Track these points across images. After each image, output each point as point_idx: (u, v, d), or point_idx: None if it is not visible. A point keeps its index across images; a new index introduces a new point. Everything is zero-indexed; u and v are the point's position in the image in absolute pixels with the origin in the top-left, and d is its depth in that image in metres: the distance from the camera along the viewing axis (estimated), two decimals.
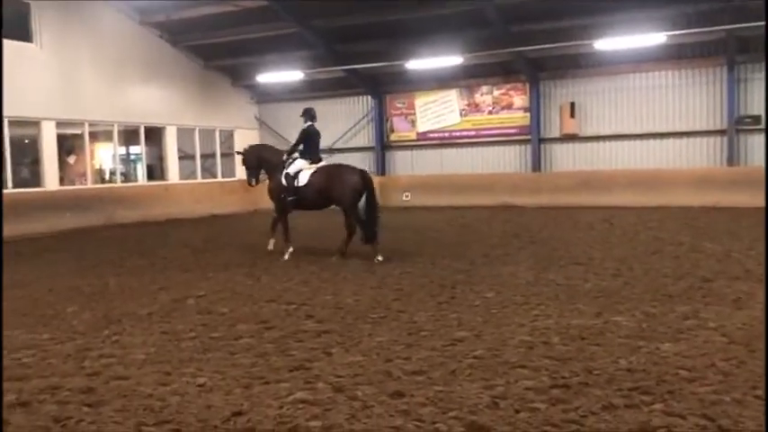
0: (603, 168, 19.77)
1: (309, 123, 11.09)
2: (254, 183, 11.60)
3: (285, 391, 4.45)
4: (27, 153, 18.33)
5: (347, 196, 10.41)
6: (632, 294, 7.20)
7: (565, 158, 20.54)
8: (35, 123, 17.39)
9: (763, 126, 17.35)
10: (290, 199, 10.80)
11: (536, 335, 5.68)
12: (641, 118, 19.31)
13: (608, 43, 17.36)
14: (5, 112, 16.33)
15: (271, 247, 11.12)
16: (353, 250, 10.99)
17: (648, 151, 19.29)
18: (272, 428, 3.86)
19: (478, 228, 14.73)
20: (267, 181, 11.44)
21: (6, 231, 15.25)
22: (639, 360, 4.88)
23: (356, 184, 10.43)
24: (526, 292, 7.47)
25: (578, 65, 19.83)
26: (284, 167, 10.95)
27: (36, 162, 17.83)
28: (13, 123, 16.76)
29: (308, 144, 11.03)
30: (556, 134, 20.49)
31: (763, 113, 17.29)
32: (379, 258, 10.09)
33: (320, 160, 11.10)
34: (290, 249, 10.86)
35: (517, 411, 4.00)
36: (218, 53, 21.86)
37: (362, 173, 10.65)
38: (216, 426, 3.92)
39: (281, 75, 21.33)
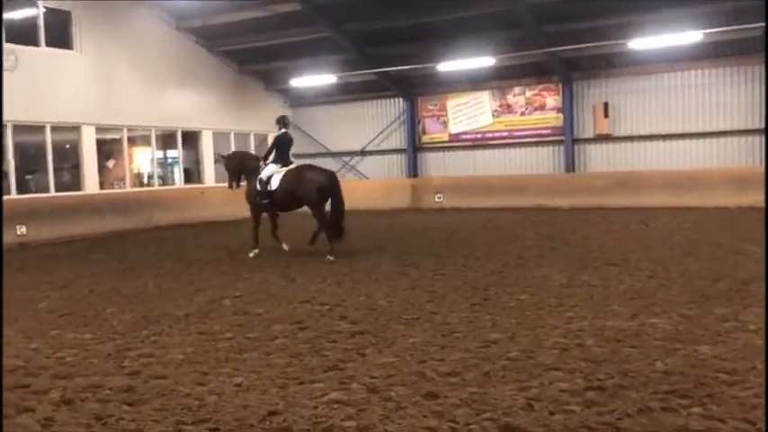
0: (638, 169, 19.48)
1: (283, 131, 11.77)
2: (234, 186, 12.28)
3: (320, 392, 4.50)
4: (68, 158, 18.77)
5: (311, 195, 11.04)
6: (668, 296, 7.10)
7: (599, 159, 20.30)
8: (75, 128, 17.80)
9: None
10: (264, 202, 11.47)
11: (570, 337, 5.65)
12: (677, 117, 18.99)
13: (643, 42, 17.11)
14: (47, 118, 16.81)
15: (286, 247, 11.62)
16: (385, 252, 11.05)
17: (685, 151, 18.96)
18: (307, 428, 3.91)
19: (511, 229, 14.64)
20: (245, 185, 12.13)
21: (49, 234, 15.69)
22: (676, 363, 4.82)
23: (320, 183, 11.03)
24: (560, 294, 7.42)
25: (612, 64, 19.59)
26: (259, 173, 11.60)
27: (77, 166, 18.24)
28: (54, 129, 17.19)
29: (281, 150, 11.66)
30: (589, 135, 20.27)
31: None
32: (330, 258, 10.66)
33: (290, 164, 11.66)
34: (256, 251, 11.57)
35: (552, 413, 3.99)
36: (252, 58, 22.11)
37: (328, 173, 11.35)
38: (252, 425, 3.99)
39: (314, 79, 21.48)
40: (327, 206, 11.32)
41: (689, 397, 4.15)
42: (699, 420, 3.81)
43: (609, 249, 10.87)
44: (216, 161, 13.51)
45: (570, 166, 20.44)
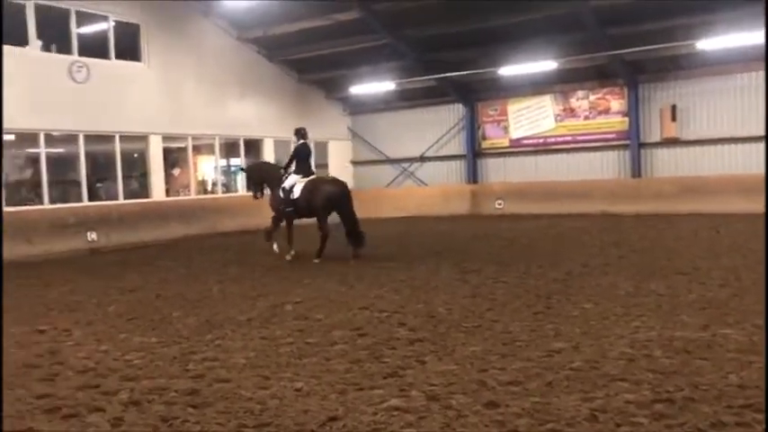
0: (708, 174, 18.80)
1: (302, 142, 12.47)
2: (259, 196, 12.88)
3: (379, 398, 4.48)
4: (136, 166, 19.42)
5: (318, 205, 11.79)
6: (742, 306, 6.80)
7: (666, 164, 19.71)
8: (143, 138, 18.40)
9: None
10: (288, 210, 12.19)
11: (637, 347, 5.47)
12: (750, 119, 18.24)
13: (712, 42, 16.54)
14: (117, 128, 17.42)
15: (276, 248, 12.30)
16: (444, 259, 10.98)
17: (759, 155, 18.14)
18: None
19: (575, 236, 14.34)
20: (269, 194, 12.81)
21: (118, 240, 16.27)
22: (751, 376, 4.60)
23: (329, 193, 11.81)
24: (626, 303, 7.21)
25: (680, 66, 19.00)
26: (282, 182, 12.28)
27: (144, 174, 18.86)
28: (123, 138, 17.81)
29: (300, 160, 12.32)
30: (656, 138, 19.72)
31: None
32: (352, 262, 11.46)
33: (311, 174, 12.41)
34: (292, 252, 12.21)
35: (618, 425, 3.87)
36: (312, 66, 22.41)
37: (340, 185, 12.14)
38: (312, 430, 4.01)
39: (374, 86, 21.60)
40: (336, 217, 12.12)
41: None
42: None
43: (677, 257, 10.51)
44: (242, 170, 14.23)
45: (636, 171, 19.93)
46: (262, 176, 12.82)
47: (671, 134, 19.25)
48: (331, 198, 11.78)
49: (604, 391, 4.42)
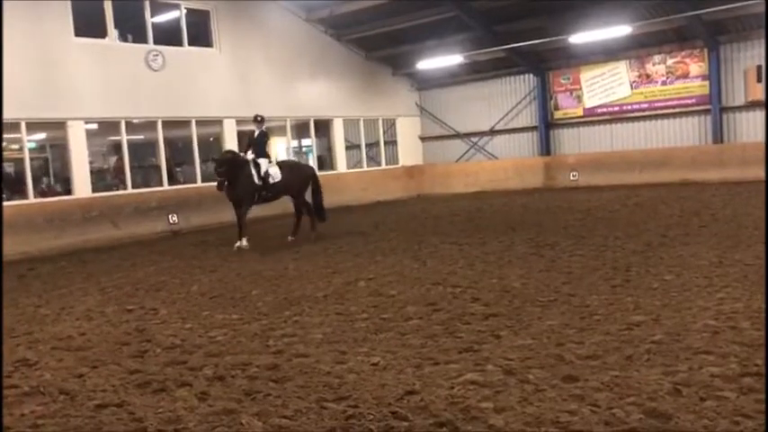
0: None
1: (265, 128, 13.05)
2: (222, 188, 12.12)
3: (455, 372, 4.51)
4: (212, 150, 19.93)
5: (302, 185, 12.84)
6: None
7: (752, 128, 18.70)
8: (218, 122, 18.85)
9: None
10: (269, 195, 12.64)
11: (722, 319, 5.28)
12: None
13: None
14: (193, 113, 17.90)
15: (245, 244, 12.11)
16: (518, 234, 10.85)
17: None
18: (444, 408, 3.93)
19: (654, 206, 13.88)
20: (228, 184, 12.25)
21: (197, 221, 16.80)
22: None
23: (311, 175, 13.10)
24: (710, 274, 6.96)
25: (765, 24, 17.92)
26: (250, 168, 12.27)
27: None
28: (199, 123, 18.30)
29: (262, 145, 12.78)
30: (740, 102, 18.74)
31: None
32: (313, 236, 12.55)
33: (268, 157, 12.97)
34: (244, 242, 12.14)
35: (702, 399, 3.76)
36: (378, 44, 22.35)
37: (312, 167, 13.73)
38: (390, 403, 4.07)
39: (441, 60, 21.35)
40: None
41: None
42: None
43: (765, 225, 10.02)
44: (213, 160, 14.32)
45: (718, 136, 19.03)
46: (233, 169, 12.06)
47: (757, 96, 18.26)
48: (312, 178, 12.94)
49: (687, 365, 4.30)
